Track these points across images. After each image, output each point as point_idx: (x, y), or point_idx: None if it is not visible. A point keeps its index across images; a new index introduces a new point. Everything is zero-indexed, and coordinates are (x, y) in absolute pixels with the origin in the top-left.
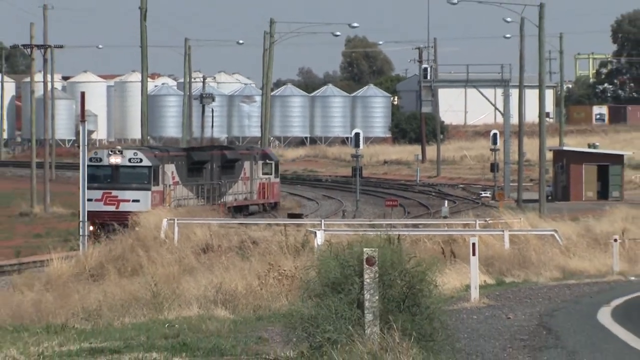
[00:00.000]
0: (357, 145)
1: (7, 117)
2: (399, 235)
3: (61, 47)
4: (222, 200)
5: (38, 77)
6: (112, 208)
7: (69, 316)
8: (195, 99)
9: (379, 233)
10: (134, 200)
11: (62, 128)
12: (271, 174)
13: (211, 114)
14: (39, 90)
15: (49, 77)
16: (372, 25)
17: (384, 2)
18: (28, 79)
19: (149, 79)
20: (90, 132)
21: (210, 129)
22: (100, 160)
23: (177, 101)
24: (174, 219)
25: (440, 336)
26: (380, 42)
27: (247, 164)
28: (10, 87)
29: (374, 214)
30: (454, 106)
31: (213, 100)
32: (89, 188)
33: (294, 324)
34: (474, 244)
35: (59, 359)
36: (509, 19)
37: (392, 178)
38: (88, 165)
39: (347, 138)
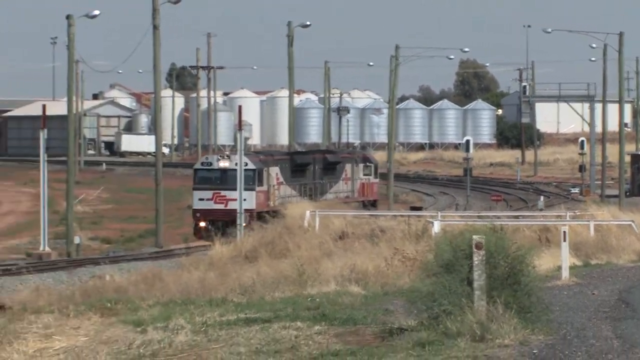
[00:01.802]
0: (467, 149)
1: (177, 127)
2: (501, 224)
3: (222, 68)
4: (324, 197)
5: (203, 93)
6: (221, 206)
7: (228, 291)
8: (333, 111)
9: (486, 223)
10: None
11: (223, 135)
12: (371, 175)
13: (346, 124)
14: (203, 104)
15: (212, 93)
16: (481, 49)
17: (492, 30)
18: (195, 95)
19: (295, 95)
20: (246, 139)
21: (346, 136)
22: (211, 164)
23: (318, 113)
24: (315, 211)
25: (537, 309)
26: (487, 64)
27: (348, 166)
28: (179, 102)
29: (481, 207)
30: (548, 117)
31: (348, 112)
32: (201, 189)
33: (415, 298)
34: (564, 232)
35: (220, 327)
36: (594, 45)
37: (497, 177)
38: (200, 169)
39: (459, 144)
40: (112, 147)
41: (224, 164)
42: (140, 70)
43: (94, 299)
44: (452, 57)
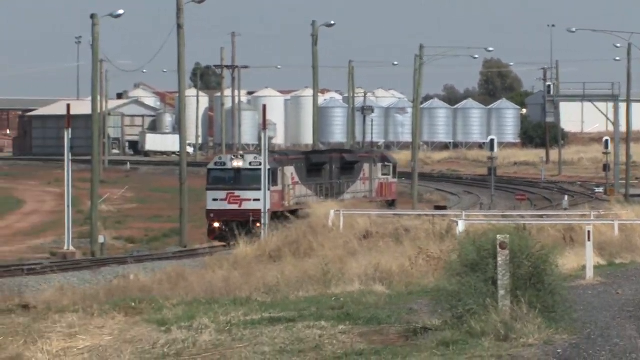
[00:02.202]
0: (492, 149)
1: (201, 126)
2: (525, 224)
3: (246, 67)
4: (341, 198)
5: (227, 92)
6: (235, 207)
7: (252, 291)
8: (357, 110)
9: (510, 222)
10: (254, 200)
11: (247, 134)
12: (389, 175)
13: (371, 123)
14: (228, 103)
15: (236, 92)
16: (505, 48)
17: (515, 29)
18: (219, 94)
19: (319, 94)
20: (270, 138)
21: (370, 135)
22: (224, 164)
23: (343, 112)
24: (339, 210)
25: (561, 308)
26: (512, 63)
27: (366, 166)
28: (204, 101)
29: (506, 207)
30: (573, 117)
31: (372, 111)
32: (214, 189)
33: (440, 297)
34: (589, 231)
35: (244, 327)
36: (618, 45)
37: (521, 177)
38: (214, 169)
39: (483, 143)
40: (136, 147)
41: (237, 163)
42: (165, 70)
43: (118, 298)
44: (476, 56)
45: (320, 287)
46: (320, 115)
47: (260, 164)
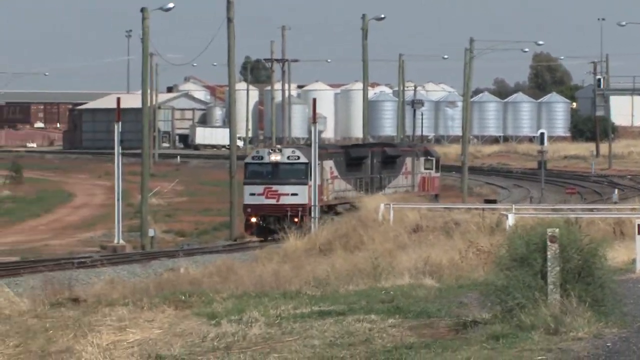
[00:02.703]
0: (542, 142)
1: (251, 119)
2: (575, 217)
3: (296, 61)
4: (382, 192)
5: (277, 86)
6: (272, 201)
7: (302, 284)
8: (407, 104)
9: (560, 216)
10: (292, 194)
11: (297, 128)
12: (432, 169)
13: (421, 117)
14: (277, 97)
15: (286, 86)
16: (555, 42)
17: (565, 23)
18: (269, 88)
19: (369, 88)
20: (320, 132)
21: (420, 129)
22: (262, 158)
23: (393, 106)
24: (389, 204)
25: (610, 301)
26: (562, 57)
27: (408, 160)
28: (254, 95)
29: (556, 200)
30: (623, 110)
31: (422, 105)
32: (251, 183)
33: (489, 291)
34: (639, 225)
35: (294, 320)
36: None
37: (571, 170)
38: (251, 163)
39: (533, 137)
40: (186, 140)
41: (275, 157)
42: (215, 63)
43: (168, 291)
44: (526, 50)
45: (370, 281)
46: (370, 108)
47: (299, 158)
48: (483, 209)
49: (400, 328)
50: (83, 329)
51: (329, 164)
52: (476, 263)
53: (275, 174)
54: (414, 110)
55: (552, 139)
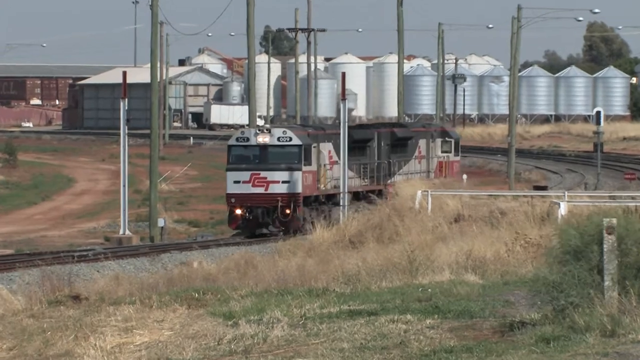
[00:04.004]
0: (598, 122)
1: (273, 96)
2: (636, 206)
3: (323, 30)
4: (391, 180)
5: (302, 58)
6: (260, 190)
7: (330, 280)
8: (447, 79)
9: (618, 204)
10: (283, 182)
11: (324, 106)
12: (450, 152)
13: (462, 93)
14: (302, 71)
15: (312, 58)
16: (611, 11)
17: None
18: (293, 61)
19: (405, 61)
20: (350, 110)
21: (462, 107)
22: (248, 139)
23: (431, 81)
24: (427, 191)
25: None
26: (619, 27)
27: (422, 142)
28: (276, 68)
29: (613, 187)
30: None
31: (464, 80)
32: (236, 169)
33: (539, 288)
34: None
35: (320, 320)
36: None
37: (631, 153)
38: (235, 145)
39: (588, 116)
40: (200, 119)
41: (263, 139)
42: (232, 33)
43: (180, 288)
44: (580, 19)
45: (406, 277)
46: (406, 84)
47: (291, 140)
48: (532, 197)
49: (438, 330)
50: (84, 330)
51: (327, 147)
52: (524, 257)
53: (263, 158)
54: (455, 86)
55: (609, 118)
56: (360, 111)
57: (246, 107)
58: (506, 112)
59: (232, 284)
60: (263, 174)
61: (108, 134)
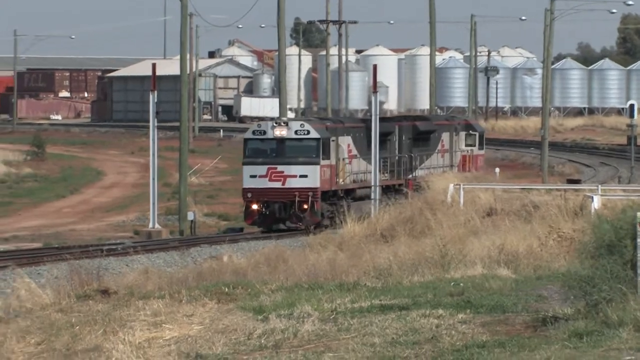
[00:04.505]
0: (631, 115)
1: (303, 88)
2: None
3: (355, 22)
4: (412, 175)
5: (333, 50)
6: (277, 185)
7: (361, 275)
8: (480, 71)
9: None
10: (301, 176)
11: (355, 98)
12: (475, 146)
13: (495, 86)
14: (333, 63)
15: (343, 50)
16: None
17: None
18: (324, 53)
19: (437, 53)
20: (381, 103)
21: (495, 100)
22: (264, 133)
23: (463, 73)
24: (459, 184)
25: None
26: None
27: (445, 136)
28: (306, 60)
29: None
30: None
31: (497, 72)
32: (252, 163)
33: (572, 283)
34: None
35: (351, 315)
36: None
37: None
38: (251, 139)
39: (622, 108)
40: (230, 112)
41: (280, 132)
42: (263, 25)
43: (210, 282)
44: (614, 11)
45: (438, 271)
46: (438, 76)
47: (309, 133)
48: (565, 190)
49: (471, 324)
50: (113, 324)
51: (346, 140)
52: (557, 251)
53: (280, 152)
54: (488, 79)
55: None
56: (392, 104)
57: (277, 100)
58: (539, 104)
59: (262, 278)
60: (280, 168)
61: (137, 126)
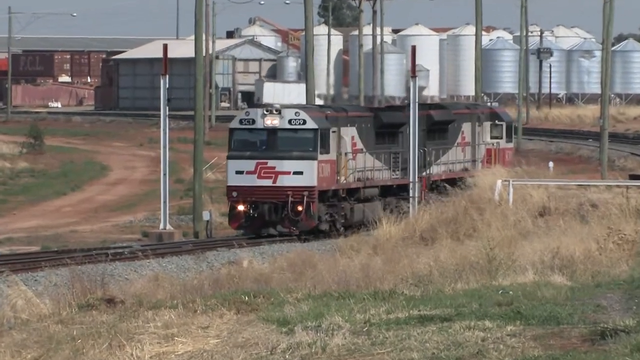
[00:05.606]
0: None
1: (333, 72)
2: None
3: None
4: (427, 171)
5: (366, 30)
6: (267, 182)
7: (398, 282)
8: (532, 53)
9: None
10: (295, 173)
11: (391, 84)
12: (501, 138)
13: (548, 70)
14: (367, 44)
15: (378, 30)
16: None
17: None
18: (356, 32)
19: (483, 33)
20: (421, 89)
21: (548, 85)
22: (253, 122)
23: (513, 56)
24: (508, 180)
25: None
26: None
27: (466, 126)
28: (337, 41)
29: None
30: None
31: (551, 55)
32: (238, 157)
33: (634, 291)
34: None
35: (387, 327)
36: None
37: None
38: (237, 129)
39: None
40: (251, 99)
41: (272, 121)
42: (287, 1)
43: (228, 291)
44: None
45: (484, 278)
46: (485, 59)
47: (304, 122)
48: (627, 187)
49: (521, 338)
50: (119, 337)
51: (349, 131)
52: (618, 256)
53: (271, 144)
54: (540, 62)
55: None
56: (433, 90)
57: (303, 86)
58: (598, 91)
59: (287, 286)
60: (271, 163)
61: (146, 115)
